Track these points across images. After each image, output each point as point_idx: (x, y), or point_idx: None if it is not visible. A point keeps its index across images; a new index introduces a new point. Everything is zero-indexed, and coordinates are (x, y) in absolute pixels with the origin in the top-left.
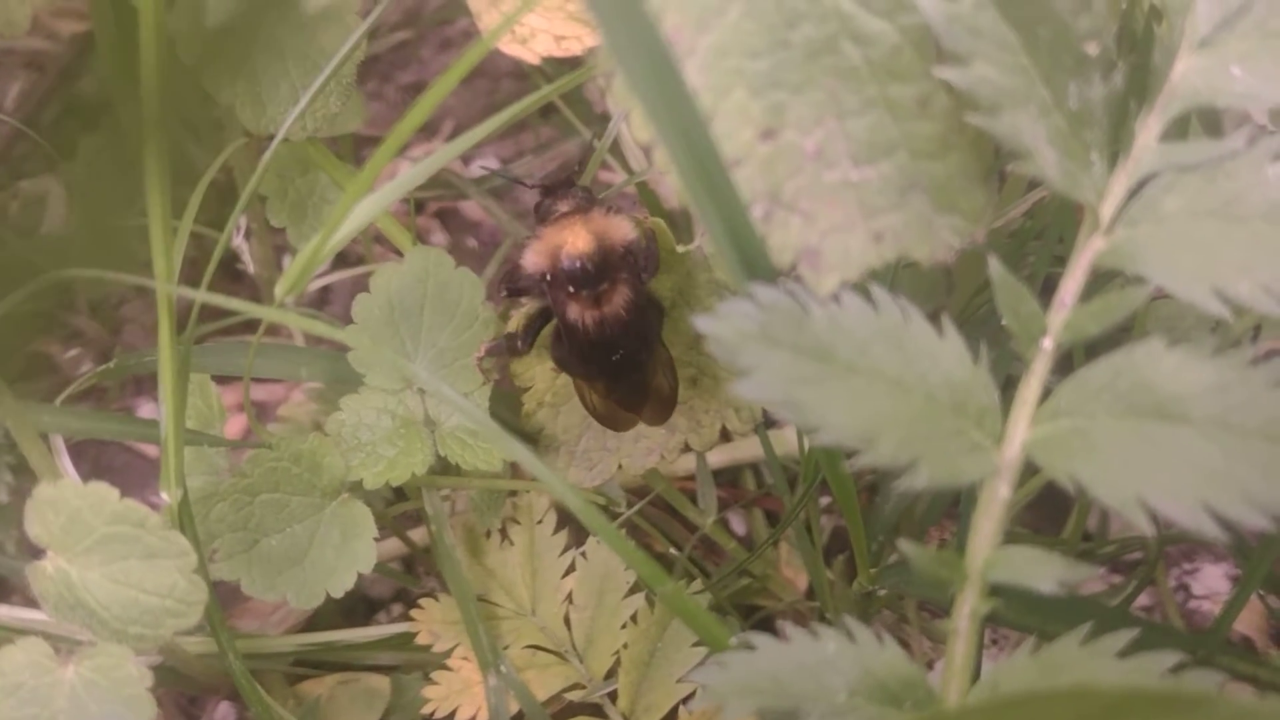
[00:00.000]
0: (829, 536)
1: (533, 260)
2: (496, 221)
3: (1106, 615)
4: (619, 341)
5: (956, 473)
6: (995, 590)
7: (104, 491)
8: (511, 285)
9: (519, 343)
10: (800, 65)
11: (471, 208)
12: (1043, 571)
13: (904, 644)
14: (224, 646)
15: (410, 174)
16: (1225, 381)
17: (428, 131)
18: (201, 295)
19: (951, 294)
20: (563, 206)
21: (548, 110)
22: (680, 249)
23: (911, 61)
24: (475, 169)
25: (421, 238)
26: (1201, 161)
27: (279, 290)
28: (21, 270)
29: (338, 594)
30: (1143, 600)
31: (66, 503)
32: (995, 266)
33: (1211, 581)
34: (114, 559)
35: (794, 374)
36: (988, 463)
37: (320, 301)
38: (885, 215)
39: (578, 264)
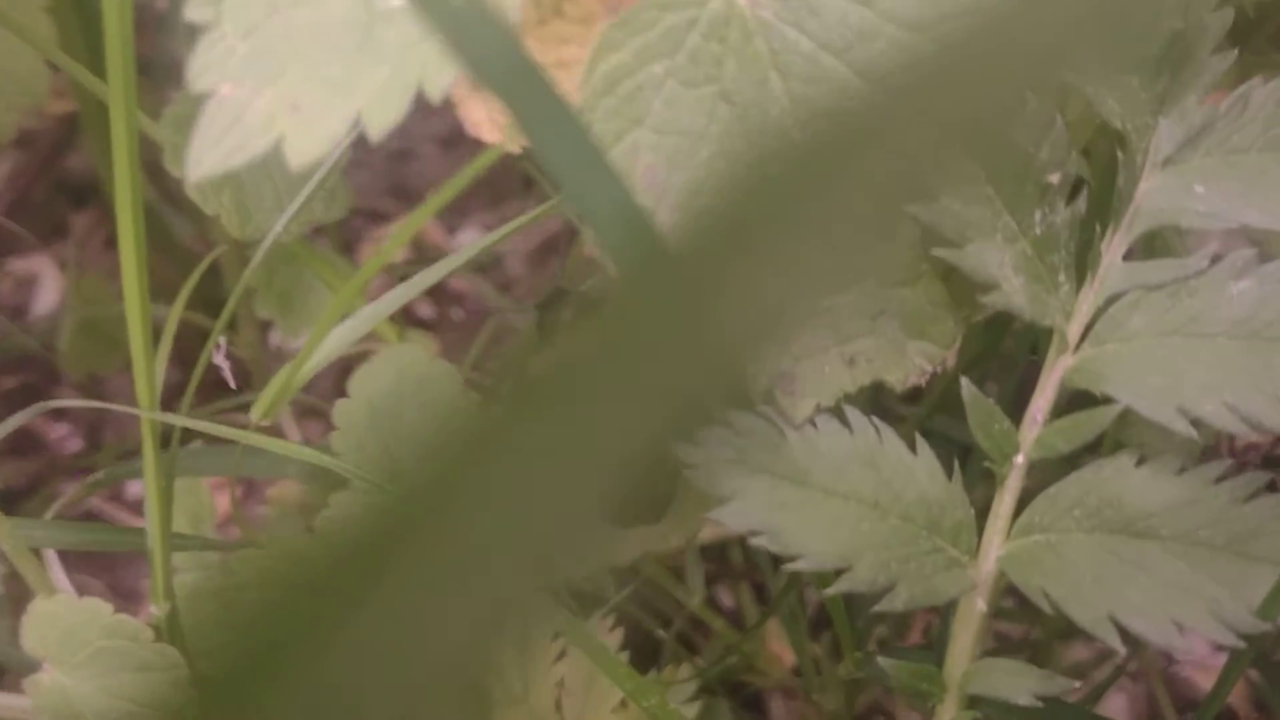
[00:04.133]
0: (814, 610)
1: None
2: (480, 293)
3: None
4: None
5: (934, 592)
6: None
7: (97, 607)
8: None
9: None
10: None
11: (458, 279)
12: (1018, 685)
13: (890, 716)
14: None
15: (395, 295)
16: (1191, 498)
17: (409, 199)
18: (183, 420)
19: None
20: (567, 315)
21: (529, 181)
22: None
23: None
24: (459, 238)
25: (408, 310)
26: (1166, 280)
27: (254, 413)
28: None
29: None
30: (1131, 666)
31: (61, 617)
32: (968, 389)
33: (1194, 646)
34: (108, 672)
35: (772, 499)
36: (964, 579)
37: (313, 383)
38: (858, 340)
39: None
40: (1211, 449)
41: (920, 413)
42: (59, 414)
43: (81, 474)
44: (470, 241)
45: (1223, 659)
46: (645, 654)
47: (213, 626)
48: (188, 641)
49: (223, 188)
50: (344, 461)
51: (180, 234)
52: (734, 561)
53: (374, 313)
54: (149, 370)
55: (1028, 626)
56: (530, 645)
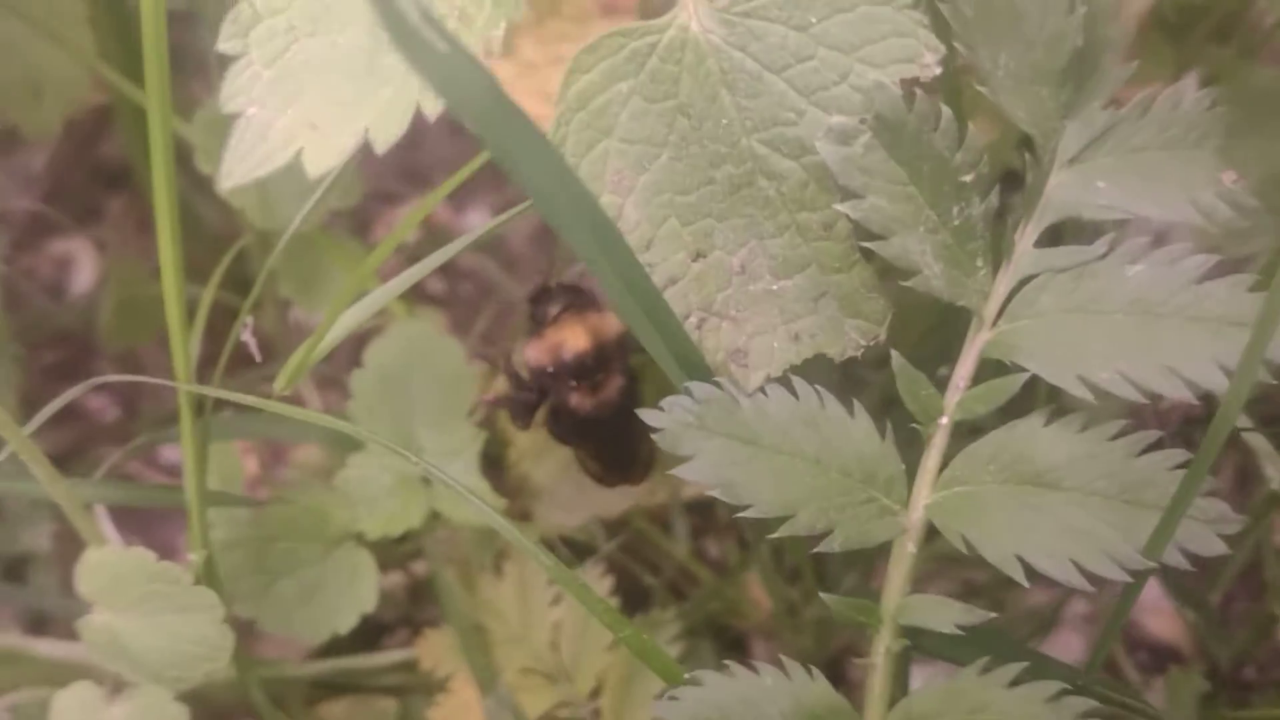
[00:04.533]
0: (793, 561)
1: (535, 356)
2: (486, 272)
3: (1005, 648)
4: (611, 417)
5: (867, 536)
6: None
7: (143, 555)
8: (511, 373)
9: (519, 423)
10: (724, 198)
11: (465, 257)
12: (943, 616)
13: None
14: (244, 674)
15: (405, 276)
16: (1092, 453)
17: (420, 183)
18: (214, 391)
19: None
20: (555, 309)
21: None
22: None
23: (816, 194)
24: (467, 218)
25: (420, 286)
26: (1071, 265)
27: (276, 385)
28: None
29: (343, 631)
30: (1083, 610)
31: (110, 565)
32: (896, 359)
33: (1148, 595)
34: (152, 613)
35: (727, 458)
36: (895, 525)
37: (333, 358)
38: (802, 320)
39: (578, 361)
40: (1138, 410)
41: (885, 379)
42: (98, 386)
43: (118, 441)
44: (477, 222)
45: (1171, 605)
46: (636, 600)
47: (245, 573)
48: (223, 586)
49: (249, 186)
50: (359, 426)
51: (208, 219)
52: (720, 517)
53: (385, 292)
54: (184, 345)
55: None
56: (528, 590)
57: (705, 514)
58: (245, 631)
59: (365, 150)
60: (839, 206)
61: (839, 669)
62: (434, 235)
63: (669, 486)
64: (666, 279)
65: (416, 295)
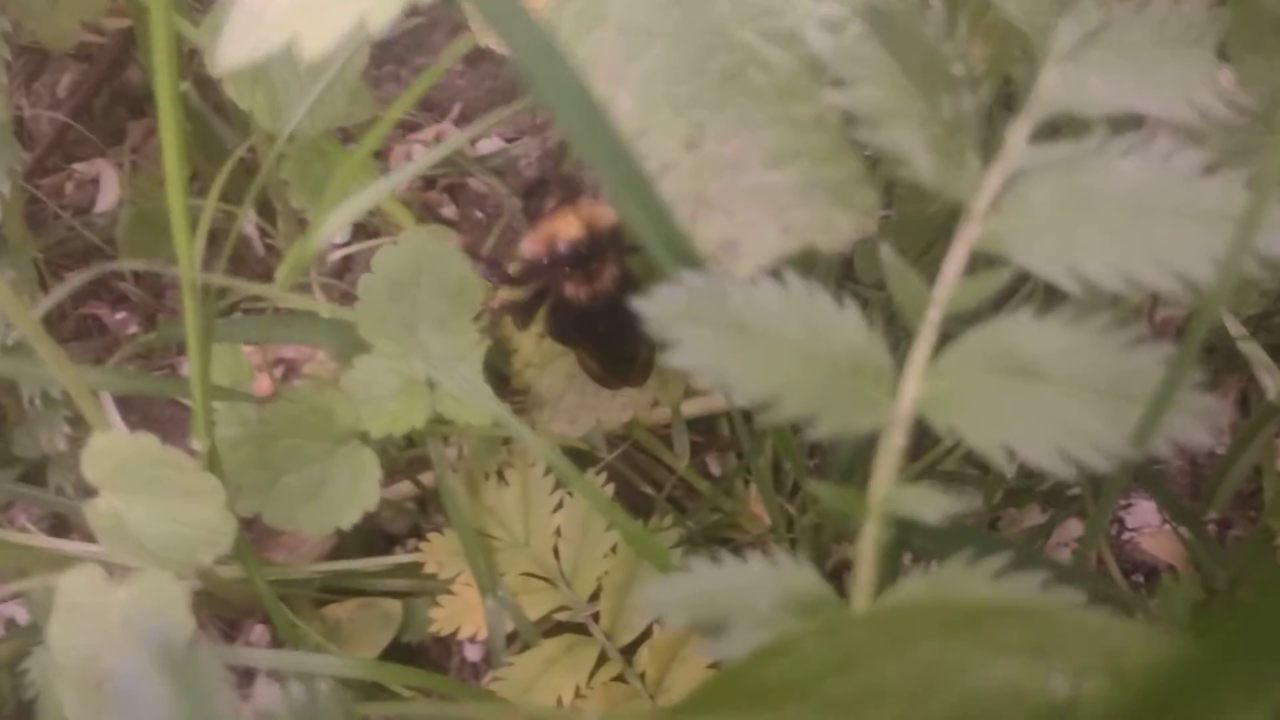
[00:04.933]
0: (793, 480)
1: (530, 248)
2: (498, 196)
3: (990, 543)
4: (608, 312)
5: (854, 425)
6: (907, 523)
7: (148, 441)
8: (508, 277)
9: (519, 320)
10: (716, 88)
11: (478, 183)
12: (930, 505)
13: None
14: (251, 572)
15: (403, 172)
16: (1080, 346)
17: (438, 113)
18: (218, 279)
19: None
20: (550, 203)
21: None
22: None
23: (807, 84)
24: (481, 147)
25: (433, 210)
26: (1064, 159)
27: (280, 275)
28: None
29: (346, 526)
30: (1077, 531)
31: (116, 450)
32: (886, 252)
33: (1144, 516)
34: (157, 497)
35: (715, 345)
36: (883, 416)
37: (342, 270)
38: (793, 211)
39: (572, 249)
40: (1133, 319)
41: (887, 298)
42: (120, 301)
43: (139, 357)
44: (491, 148)
45: (1168, 529)
46: (635, 511)
47: (250, 468)
48: (227, 480)
49: (256, 86)
50: (367, 329)
51: (230, 142)
52: (721, 434)
53: (381, 187)
54: (187, 231)
55: (991, 493)
56: (531, 497)
57: (707, 432)
58: (255, 540)
59: (385, 78)
60: (829, 95)
61: (837, 582)
62: (448, 160)
63: (672, 395)
64: (659, 168)
65: (429, 218)
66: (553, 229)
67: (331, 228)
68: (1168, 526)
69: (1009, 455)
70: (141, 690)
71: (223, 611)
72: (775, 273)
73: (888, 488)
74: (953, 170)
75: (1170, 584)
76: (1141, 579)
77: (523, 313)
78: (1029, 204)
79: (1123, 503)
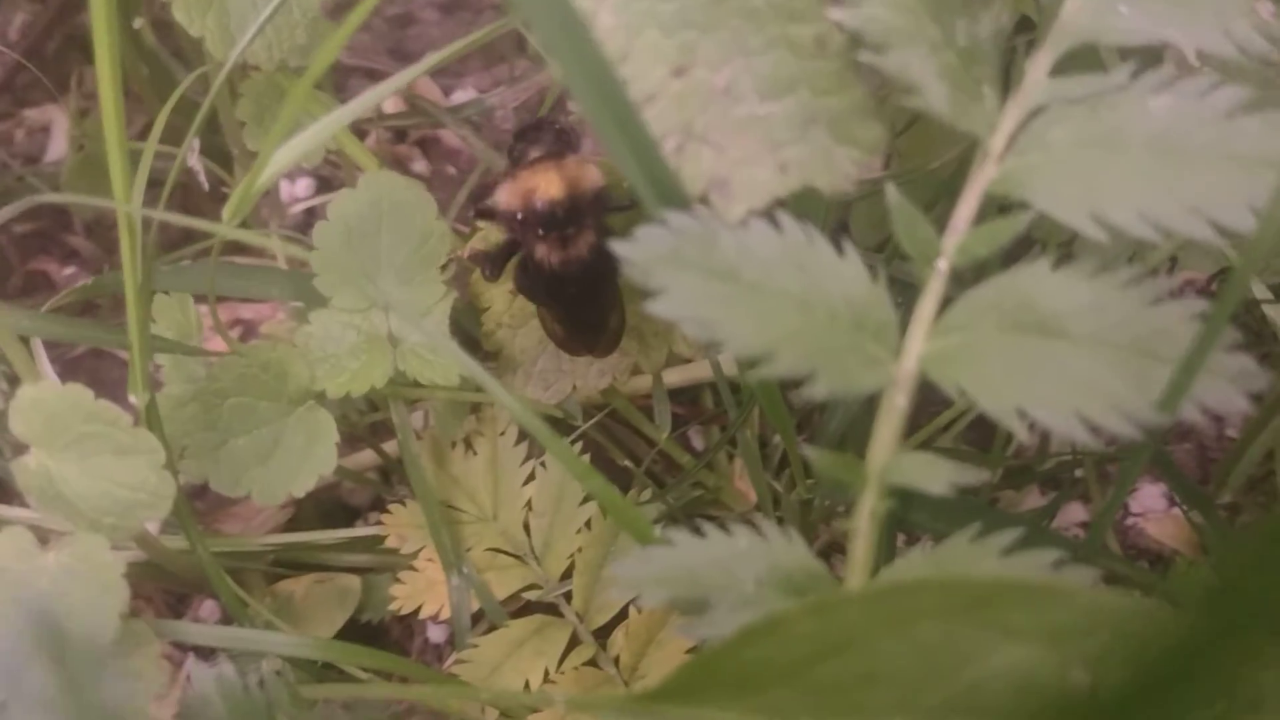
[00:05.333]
0: (782, 452)
1: (506, 199)
2: (473, 150)
3: (996, 518)
4: (579, 278)
5: (854, 384)
6: (905, 496)
7: (80, 393)
8: (483, 211)
9: (487, 270)
10: (708, 7)
11: (451, 136)
12: (934, 475)
13: (845, 552)
14: (194, 541)
15: (359, 101)
16: (1103, 301)
17: (410, 62)
18: (158, 215)
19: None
20: (535, 151)
21: (523, 44)
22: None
23: (808, 3)
24: (455, 99)
25: (404, 165)
26: (1088, 95)
27: (226, 211)
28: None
29: (299, 493)
30: (1079, 516)
31: (46, 403)
32: (892, 193)
33: (1149, 500)
34: (89, 455)
35: (703, 293)
36: (885, 375)
37: (305, 225)
38: (789, 147)
39: (548, 209)
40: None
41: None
42: (69, 256)
43: (85, 311)
44: (465, 99)
45: (1175, 512)
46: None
47: (196, 429)
48: (169, 440)
49: (207, 10)
50: (324, 280)
51: (188, 88)
52: (705, 405)
53: (339, 116)
54: (123, 162)
55: (990, 472)
56: (500, 468)
57: (690, 404)
58: (206, 509)
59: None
60: (833, 14)
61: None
62: (420, 110)
63: (654, 361)
64: (644, 96)
65: (399, 172)
66: (532, 183)
67: (282, 162)
68: (1174, 511)
69: (1023, 419)
70: (23, 673)
71: (171, 584)
72: (769, 215)
73: (888, 455)
74: (967, 103)
75: (1184, 568)
76: (1146, 565)
77: (493, 263)
78: (1049, 143)
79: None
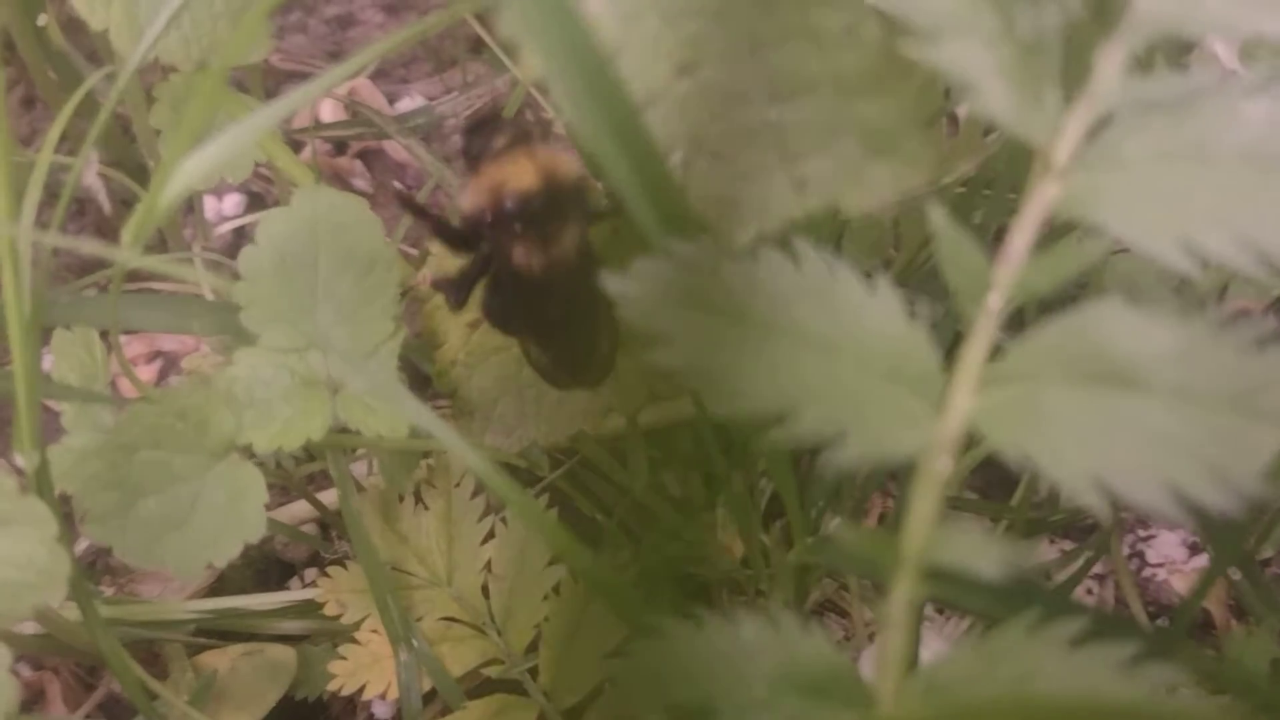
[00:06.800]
0: (768, 500)
1: (471, 200)
2: (422, 164)
3: (1054, 601)
4: (566, 289)
5: (891, 446)
6: (935, 570)
7: None
8: (439, 228)
9: (452, 298)
10: None
11: (396, 148)
12: (986, 555)
13: (843, 613)
14: (89, 617)
15: (285, 102)
16: (1190, 347)
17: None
18: (52, 238)
19: (898, 251)
20: (499, 142)
21: (477, 46)
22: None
23: None
24: (400, 107)
25: (344, 179)
26: (1169, 98)
27: (126, 234)
28: None
29: (221, 563)
30: (1095, 568)
31: None
32: (937, 215)
33: (1168, 549)
34: None
35: (709, 338)
36: (926, 435)
37: (233, 247)
38: (809, 160)
39: (524, 202)
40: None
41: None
42: None
43: None
44: (411, 107)
45: (1198, 562)
46: (584, 541)
47: (101, 488)
48: (74, 503)
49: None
50: (252, 314)
51: (101, 93)
52: (683, 448)
53: (263, 117)
54: (4, 173)
55: (992, 520)
56: (456, 525)
57: (665, 445)
58: (119, 566)
59: (290, 28)
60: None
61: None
62: (362, 120)
63: (630, 401)
64: (641, 99)
65: (339, 189)
66: (500, 175)
67: (192, 174)
68: (1196, 563)
69: (1100, 490)
70: None
71: (74, 658)
72: (783, 241)
73: (928, 531)
74: (1027, 106)
75: (1242, 638)
76: (1167, 621)
77: (458, 289)
78: (1124, 156)
79: (1143, 533)
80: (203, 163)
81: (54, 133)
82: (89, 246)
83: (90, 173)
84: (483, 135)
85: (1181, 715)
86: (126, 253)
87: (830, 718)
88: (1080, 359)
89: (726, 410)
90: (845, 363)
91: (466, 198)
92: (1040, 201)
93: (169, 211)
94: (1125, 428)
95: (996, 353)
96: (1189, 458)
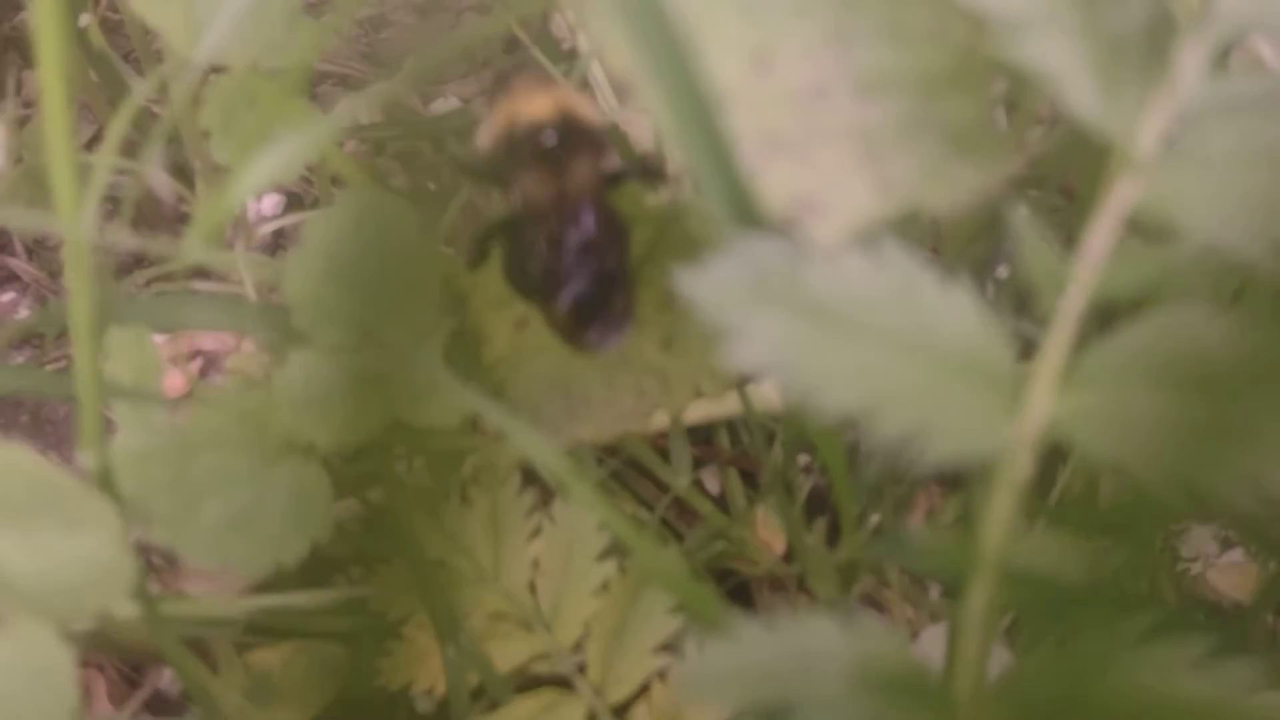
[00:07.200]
0: (806, 495)
1: (487, 133)
2: (456, 164)
3: (1126, 598)
4: (581, 232)
5: (972, 447)
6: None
7: (19, 455)
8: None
9: (470, 254)
10: None
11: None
12: (1070, 560)
13: (884, 609)
14: (149, 615)
15: (344, 108)
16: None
17: (387, 70)
18: (113, 237)
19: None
20: (517, 79)
21: (511, 46)
22: (651, 198)
23: None
24: (435, 108)
25: (382, 181)
26: (1252, 97)
27: (190, 235)
28: None
29: (290, 563)
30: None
31: None
32: (1017, 214)
33: (1199, 543)
34: (33, 528)
35: (785, 336)
36: (1006, 436)
37: (274, 247)
38: (893, 160)
39: (537, 130)
40: None
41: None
42: (8, 280)
43: (28, 344)
44: (446, 108)
45: (1232, 557)
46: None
47: (162, 490)
48: (130, 503)
49: (173, 3)
50: (303, 315)
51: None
52: (721, 445)
53: (321, 129)
54: (70, 174)
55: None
56: (502, 521)
57: (704, 442)
58: (167, 564)
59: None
60: None
61: None
62: (398, 127)
63: (679, 400)
64: (718, 95)
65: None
66: (514, 108)
67: (256, 179)
68: (1231, 557)
69: (1196, 494)
70: None
71: (123, 654)
72: (868, 239)
73: (1006, 534)
74: (1111, 104)
75: None
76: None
77: (476, 242)
78: (1208, 154)
79: (1174, 527)
80: (272, 166)
81: (113, 134)
82: (154, 246)
83: (158, 182)
84: (505, 81)
85: None
86: (194, 251)
87: (909, 718)
88: (1167, 364)
89: (804, 410)
90: (925, 363)
91: (482, 135)
92: (1120, 201)
93: (232, 212)
94: (1218, 435)
95: (1077, 354)
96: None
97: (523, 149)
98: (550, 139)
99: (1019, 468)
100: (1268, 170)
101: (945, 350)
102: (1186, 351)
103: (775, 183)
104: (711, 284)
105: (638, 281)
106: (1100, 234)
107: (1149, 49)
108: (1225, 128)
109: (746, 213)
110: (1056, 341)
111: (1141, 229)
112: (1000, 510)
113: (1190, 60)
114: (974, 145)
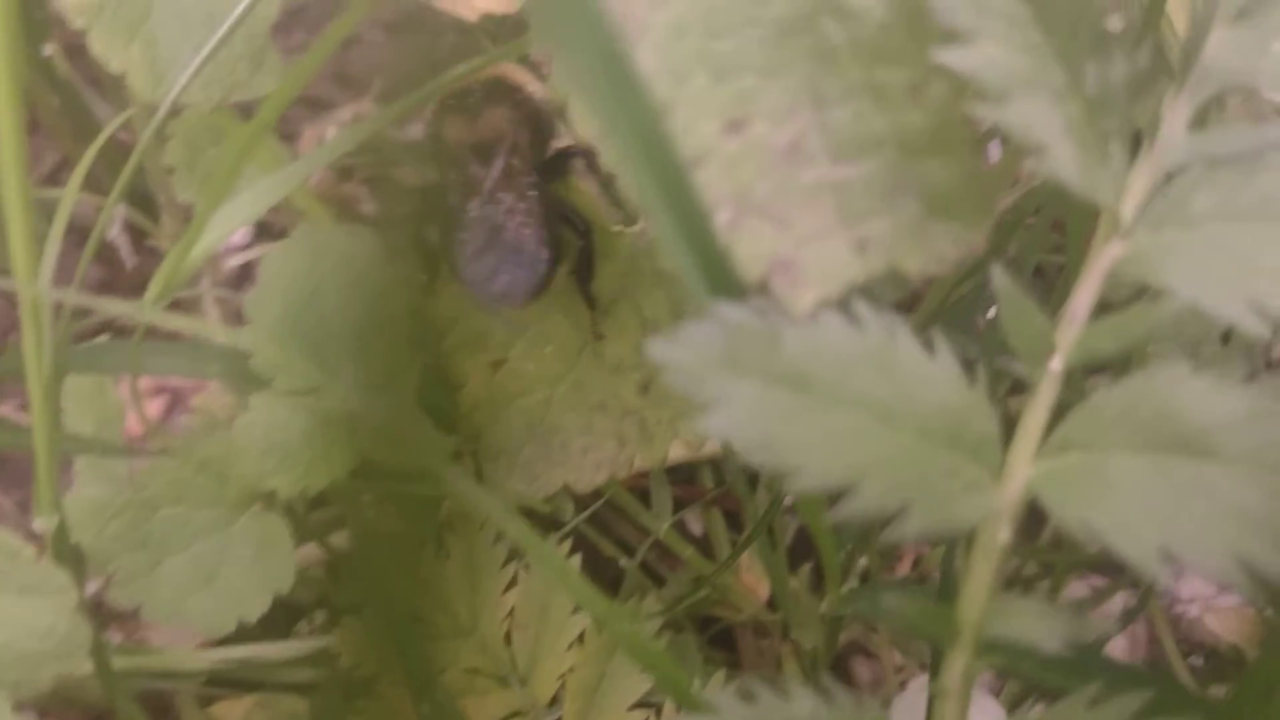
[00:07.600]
0: (791, 537)
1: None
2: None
3: (1115, 672)
4: (491, 177)
5: (953, 517)
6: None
7: None
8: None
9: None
10: (772, 45)
11: (405, 173)
12: (1047, 629)
13: (872, 655)
14: (103, 675)
15: (315, 157)
16: (1261, 412)
17: (356, 90)
18: (72, 296)
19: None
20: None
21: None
22: (618, 228)
23: (902, 41)
24: (408, 131)
25: (351, 206)
26: (1238, 153)
27: (152, 289)
28: None
29: (252, 618)
30: (1125, 603)
31: None
32: (1000, 276)
33: (1198, 585)
34: None
35: (764, 407)
36: (987, 503)
37: (240, 279)
38: (870, 221)
39: (466, 90)
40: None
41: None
42: None
43: None
44: (420, 133)
45: (1229, 600)
46: (604, 585)
47: (123, 548)
48: (89, 562)
49: (131, 40)
50: (262, 359)
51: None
52: (704, 485)
53: (292, 173)
54: (26, 225)
55: (1018, 562)
56: (478, 571)
57: (686, 483)
58: (125, 616)
59: (293, 50)
60: (939, 55)
61: (844, 669)
62: (367, 152)
63: (657, 453)
64: (689, 158)
65: (345, 214)
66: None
67: (222, 230)
68: (1226, 600)
69: (1167, 562)
70: None
71: (81, 712)
72: (843, 304)
73: (986, 602)
74: (1093, 164)
75: None
76: (1200, 661)
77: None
78: (1191, 213)
79: (1173, 569)
80: (238, 216)
81: (76, 177)
82: (115, 307)
83: (114, 228)
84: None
85: None
86: (149, 312)
87: None
88: (1146, 425)
89: (782, 483)
90: (906, 430)
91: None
92: (1104, 261)
93: (196, 264)
94: (1194, 498)
95: (1057, 417)
96: (1262, 530)
97: (450, 103)
98: (474, 91)
99: (1001, 533)
100: (1251, 228)
101: (925, 416)
102: (1162, 414)
103: (749, 245)
104: (684, 352)
105: (566, 251)
106: (1084, 297)
107: (1133, 105)
108: (1208, 185)
109: (721, 276)
110: (1038, 406)
111: (1125, 287)
112: (979, 577)
113: (1174, 119)
114: (954, 205)
